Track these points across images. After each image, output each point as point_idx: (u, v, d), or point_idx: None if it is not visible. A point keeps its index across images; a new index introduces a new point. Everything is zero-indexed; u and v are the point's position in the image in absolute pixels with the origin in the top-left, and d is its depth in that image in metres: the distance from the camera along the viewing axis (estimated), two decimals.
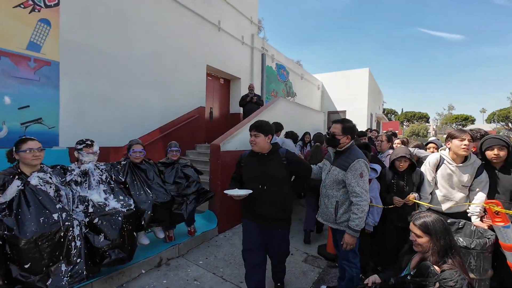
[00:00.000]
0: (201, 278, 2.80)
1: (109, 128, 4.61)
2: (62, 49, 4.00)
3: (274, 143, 2.28)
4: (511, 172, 2.32)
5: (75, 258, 2.08)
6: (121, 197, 2.59)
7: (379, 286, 1.49)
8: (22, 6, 3.60)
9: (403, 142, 3.84)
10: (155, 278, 2.76)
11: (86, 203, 2.35)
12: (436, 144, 3.39)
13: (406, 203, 2.59)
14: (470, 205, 2.37)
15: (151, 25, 5.31)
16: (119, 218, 2.42)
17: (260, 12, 9.09)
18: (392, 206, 2.68)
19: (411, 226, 1.61)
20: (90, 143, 2.64)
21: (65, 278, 2.00)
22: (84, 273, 2.10)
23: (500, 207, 1.92)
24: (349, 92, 13.22)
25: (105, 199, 2.49)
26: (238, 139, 4.34)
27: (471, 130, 2.70)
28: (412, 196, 2.56)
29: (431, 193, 2.55)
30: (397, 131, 13.27)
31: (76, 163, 2.63)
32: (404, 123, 56.18)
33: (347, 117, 13.25)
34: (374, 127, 14.40)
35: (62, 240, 2.00)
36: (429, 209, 2.48)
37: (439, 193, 2.48)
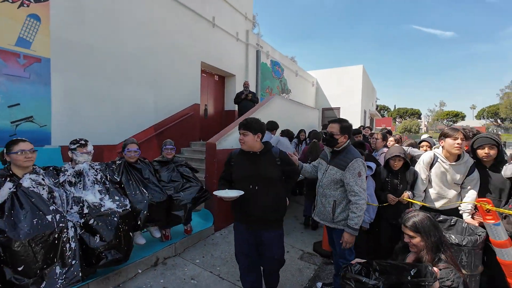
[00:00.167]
0: (198, 277, 2.81)
1: (102, 126, 4.54)
2: (53, 45, 3.90)
3: (265, 142, 2.18)
4: (500, 170, 2.39)
5: (70, 260, 2.06)
6: (116, 197, 2.57)
7: (364, 268, 1.50)
8: (10, 0, 3.48)
9: (397, 141, 3.89)
10: (152, 278, 2.75)
11: (81, 204, 2.32)
12: (429, 143, 3.44)
13: (401, 201, 2.64)
14: (462, 203, 2.43)
15: (145, 21, 5.21)
16: (115, 219, 2.40)
17: (254, 7, 9.01)
18: (386, 204, 2.72)
19: (403, 229, 1.64)
20: (84, 142, 2.60)
21: (59, 281, 1.98)
22: (80, 274, 2.08)
23: (491, 205, 1.98)
24: (343, 89, 13.30)
25: (101, 199, 2.46)
26: (234, 137, 4.33)
27: (464, 129, 2.76)
28: (406, 195, 2.61)
29: (424, 191, 2.60)
30: (389, 128, 13.45)
31: (70, 163, 2.58)
32: (397, 120, 56.91)
33: (341, 114, 13.35)
34: (367, 124, 14.55)
35: (56, 242, 1.98)
36: (423, 207, 2.53)
37: (432, 191, 2.53)
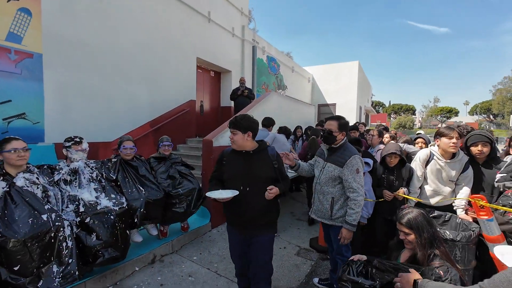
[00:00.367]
0: (195, 274, 2.82)
1: (96, 123, 4.48)
2: (45, 40, 3.81)
3: (260, 141, 2.06)
4: (493, 167, 2.43)
5: (66, 258, 2.04)
6: (112, 195, 2.55)
7: (364, 266, 1.53)
8: None
9: (392, 137, 3.93)
10: (149, 275, 2.75)
11: (76, 203, 2.30)
12: (424, 139, 3.48)
13: (396, 197, 2.67)
14: (456, 200, 2.47)
15: (138, 15, 5.12)
16: (111, 217, 2.38)
17: (249, 2, 8.91)
18: (382, 200, 2.75)
19: (398, 226, 1.66)
20: (79, 140, 2.57)
21: (56, 279, 1.97)
22: (77, 273, 2.07)
23: (484, 201, 2.02)
24: (339, 85, 13.30)
25: (97, 197, 2.44)
26: None
27: (458, 126, 2.79)
28: (402, 191, 2.64)
29: (420, 188, 2.63)
30: (384, 123, 13.55)
31: (64, 160, 2.55)
32: (392, 115, 57.35)
33: (337, 110, 13.37)
34: (363, 120, 14.64)
35: (52, 241, 1.96)
36: (418, 203, 2.57)
37: (428, 188, 2.57)
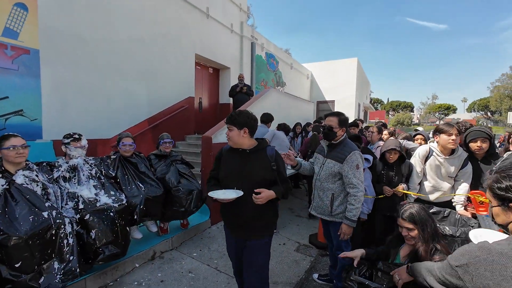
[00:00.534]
0: (195, 270, 2.83)
1: (94, 120, 4.45)
2: (42, 36, 3.76)
3: (260, 139, 1.92)
4: (491, 163, 2.44)
5: (67, 255, 2.04)
6: (112, 192, 2.54)
7: (368, 270, 1.54)
8: None
9: (391, 134, 3.93)
10: (150, 272, 2.76)
11: (76, 200, 2.29)
12: (423, 136, 3.49)
13: (396, 193, 2.68)
14: (455, 195, 2.48)
15: (136, 10, 5.06)
16: (111, 214, 2.38)
17: None
18: (382, 196, 2.76)
19: (401, 222, 1.66)
20: (78, 136, 2.55)
21: (58, 276, 1.97)
22: (78, 270, 2.07)
23: (484, 197, 2.03)
24: (338, 82, 13.28)
25: (96, 194, 2.43)
26: None
27: (457, 123, 2.80)
28: (401, 187, 2.65)
29: (419, 184, 2.65)
30: (383, 120, 13.57)
31: (63, 157, 2.53)
32: (390, 112, 57.47)
33: (335, 107, 13.39)
34: (361, 117, 14.65)
35: (53, 238, 1.95)
36: (418, 199, 2.58)
37: (427, 184, 2.58)
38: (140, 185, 2.85)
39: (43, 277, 1.89)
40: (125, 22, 4.87)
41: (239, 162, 1.83)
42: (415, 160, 2.65)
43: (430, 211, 2.42)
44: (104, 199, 2.44)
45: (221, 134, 4.11)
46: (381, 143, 3.48)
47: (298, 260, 3.15)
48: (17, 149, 1.98)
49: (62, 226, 2.02)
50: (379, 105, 59.71)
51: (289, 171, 3.52)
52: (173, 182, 3.12)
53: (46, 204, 1.99)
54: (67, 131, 2.63)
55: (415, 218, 1.56)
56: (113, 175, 2.74)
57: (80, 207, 2.26)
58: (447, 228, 2.11)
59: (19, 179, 1.95)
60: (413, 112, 62.34)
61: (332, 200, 2.24)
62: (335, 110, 3.07)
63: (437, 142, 2.51)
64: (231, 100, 7.08)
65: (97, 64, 4.46)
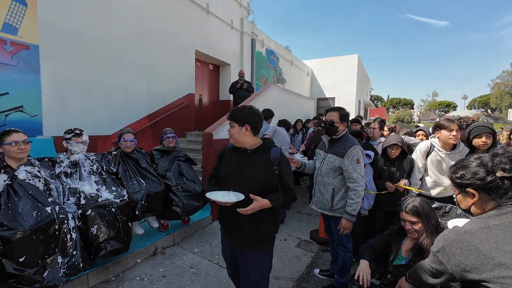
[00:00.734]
0: (197, 266, 2.84)
1: (94, 116, 4.44)
2: (41, 31, 3.74)
3: (266, 139, 1.76)
4: None
5: (71, 250, 2.05)
6: (113, 188, 2.54)
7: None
8: None
9: (391, 129, 3.94)
10: (151, 267, 2.77)
11: (77, 195, 2.29)
12: (425, 132, 3.49)
13: (398, 188, 2.68)
14: None
15: (136, 6, 5.03)
16: (113, 209, 2.38)
17: None
18: (384, 192, 2.76)
19: (404, 215, 1.66)
20: (79, 132, 2.54)
21: (61, 270, 1.98)
22: (81, 265, 2.07)
23: None
24: (338, 79, 13.24)
25: (97, 190, 2.43)
26: None
27: (460, 118, 2.79)
28: (403, 182, 2.65)
29: (421, 179, 2.65)
30: (383, 118, 13.52)
31: (65, 153, 2.53)
32: (390, 110, 57.39)
33: (336, 104, 13.38)
34: (361, 114, 14.63)
35: (57, 233, 1.96)
36: (419, 194, 2.58)
37: (429, 179, 2.58)
38: (142, 180, 2.85)
39: (47, 271, 1.89)
40: (125, 18, 4.84)
41: (239, 162, 1.69)
42: (417, 156, 2.64)
43: (433, 206, 2.42)
44: (106, 194, 2.45)
45: (222, 130, 4.11)
46: (382, 139, 3.48)
47: (299, 255, 3.16)
48: (18, 144, 1.97)
49: (65, 221, 2.02)
50: (379, 102, 59.62)
51: None
52: (172, 181, 3.11)
53: (49, 200, 1.99)
54: (67, 127, 2.62)
55: (419, 211, 1.57)
56: (114, 171, 2.74)
57: (81, 203, 2.26)
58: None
59: (21, 174, 1.95)
60: (413, 109, 62.28)
61: (333, 195, 2.24)
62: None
63: (438, 137, 2.50)
64: (231, 97, 7.06)
65: (97, 60, 4.44)
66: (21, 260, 1.77)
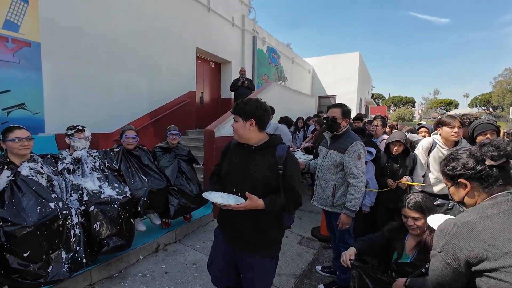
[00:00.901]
0: (199, 262, 2.85)
1: (96, 114, 4.44)
2: (42, 29, 3.73)
3: (274, 136, 1.63)
4: None
5: (74, 245, 2.06)
6: (116, 185, 2.55)
7: (363, 269, 1.55)
8: None
9: (391, 127, 3.93)
10: (154, 263, 2.78)
11: (80, 192, 2.30)
12: (427, 129, 3.48)
13: (400, 185, 2.67)
14: None
15: (137, 4, 5.01)
16: (115, 206, 2.39)
17: None
18: (386, 189, 2.76)
19: (406, 211, 1.66)
20: (81, 128, 2.55)
21: (65, 265, 1.99)
22: (84, 260, 2.08)
23: None
24: (340, 77, 13.20)
25: (100, 186, 2.44)
26: None
27: (464, 115, 2.78)
28: (405, 179, 2.64)
29: (423, 176, 2.64)
30: (384, 115, 13.48)
31: (67, 150, 2.54)
32: (391, 108, 57.25)
33: (337, 102, 13.34)
34: (363, 112, 14.59)
35: (60, 228, 1.97)
36: (422, 191, 2.58)
37: (431, 176, 2.58)
38: (144, 177, 2.86)
39: (51, 266, 1.91)
40: (126, 16, 4.83)
41: (242, 159, 1.57)
42: (419, 152, 2.64)
43: (435, 203, 2.42)
44: (108, 191, 2.45)
45: (224, 128, 4.11)
46: (385, 136, 3.47)
47: (301, 252, 3.17)
48: (21, 141, 1.98)
49: (69, 217, 2.03)
50: (380, 100, 59.43)
51: None
52: (169, 179, 3.11)
53: (52, 196, 2.00)
54: (68, 125, 2.62)
55: (422, 207, 1.56)
56: (117, 167, 2.75)
57: (84, 199, 2.27)
58: None
59: (25, 171, 1.96)
60: (414, 107, 62.06)
61: (334, 191, 2.24)
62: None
63: (440, 134, 2.50)
64: (232, 95, 7.05)
65: (98, 57, 4.44)
66: (25, 255, 1.78)
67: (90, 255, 2.21)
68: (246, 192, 1.42)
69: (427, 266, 1.42)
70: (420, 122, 4.27)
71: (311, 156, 4.19)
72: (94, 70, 4.40)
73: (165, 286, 2.44)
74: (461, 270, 0.92)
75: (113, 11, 4.62)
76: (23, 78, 3.59)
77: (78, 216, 2.15)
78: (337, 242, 2.43)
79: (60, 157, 2.38)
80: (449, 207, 2.47)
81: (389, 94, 67.06)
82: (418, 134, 3.50)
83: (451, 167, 1.08)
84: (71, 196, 2.27)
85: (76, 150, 2.48)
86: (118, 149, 2.87)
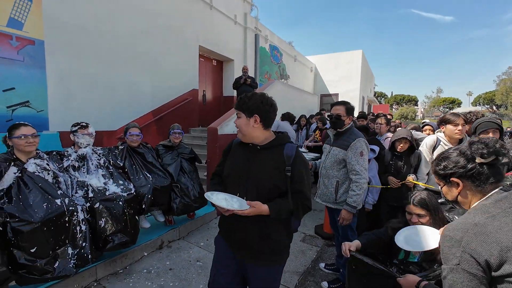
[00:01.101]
0: (203, 259, 2.86)
1: (99, 111, 4.46)
2: (46, 26, 3.75)
3: (281, 134, 1.48)
4: None
5: (80, 242, 2.09)
6: (120, 182, 2.56)
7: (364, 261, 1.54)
8: None
9: (395, 126, 3.91)
10: (158, 260, 2.80)
11: (85, 188, 2.31)
12: (432, 126, 3.47)
13: (407, 184, 2.65)
14: None
15: (140, 1, 5.01)
16: (120, 203, 2.40)
17: None
18: (389, 186, 2.75)
19: (411, 208, 1.65)
20: (85, 124, 2.57)
21: (72, 261, 2.01)
22: (90, 256, 2.10)
23: None
24: (342, 75, 13.15)
25: (105, 183, 2.46)
26: None
27: (469, 112, 2.76)
28: (410, 178, 2.63)
29: (427, 174, 2.63)
30: (387, 114, 13.42)
31: (72, 147, 2.55)
32: (394, 106, 57.00)
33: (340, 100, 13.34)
34: (365, 110, 14.54)
35: (67, 225, 1.99)
36: (426, 189, 2.57)
37: None
38: (148, 175, 2.87)
39: (57, 261, 1.93)
40: (129, 13, 4.83)
41: (246, 159, 1.42)
42: (423, 150, 2.63)
43: (439, 201, 2.41)
44: (113, 188, 2.47)
45: (227, 126, 4.11)
46: (389, 134, 3.46)
47: (304, 250, 3.17)
48: (27, 138, 1.99)
49: (75, 213, 2.05)
50: (383, 98, 59.14)
51: None
52: (172, 177, 3.12)
53: (58, 192, 2.02)
54: (72, 122, 2.63)
55: (427, 204, 1.56)
56: (121, 165, 2.76)
57: (89, 196, 2.29)
58: (456, 217, 2.10)
59: (31, 167, 1.97)
60: (417, 106, 61.74)
61: (337, 188, 2.25)
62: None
63: (443, 132, 2.49)
64: (235, 93, 7.04)
65: (101, 55, 4.45)
66: (32, 251, 1.80)
67: (95, 251, 2.23)
68: (247, 201, 1.30)
69: (435, 267, 1.41)
70: (424, 120, 4.26)
71: (315, 155, 4.18)
72: (98, 68, 4.42)
73: (169, 282, 2.46)
74: (488, 279, 0.84)
75: (117, 10, 4.63)
76: (27, 76, 3.61)
77: (84, 213, 2.17)
78: (340, 239, 2.43)
79: (66, 154, 2.40)
80: (452, 205, 2.46)
81: (392, 92, 66.67)
82: (422, 132, 3.48)
83: (442, 166, 1.08)
84: (76, 192, 2.28)
85: (80, 147, 2.49)
86: (122, 147, 2.89)
